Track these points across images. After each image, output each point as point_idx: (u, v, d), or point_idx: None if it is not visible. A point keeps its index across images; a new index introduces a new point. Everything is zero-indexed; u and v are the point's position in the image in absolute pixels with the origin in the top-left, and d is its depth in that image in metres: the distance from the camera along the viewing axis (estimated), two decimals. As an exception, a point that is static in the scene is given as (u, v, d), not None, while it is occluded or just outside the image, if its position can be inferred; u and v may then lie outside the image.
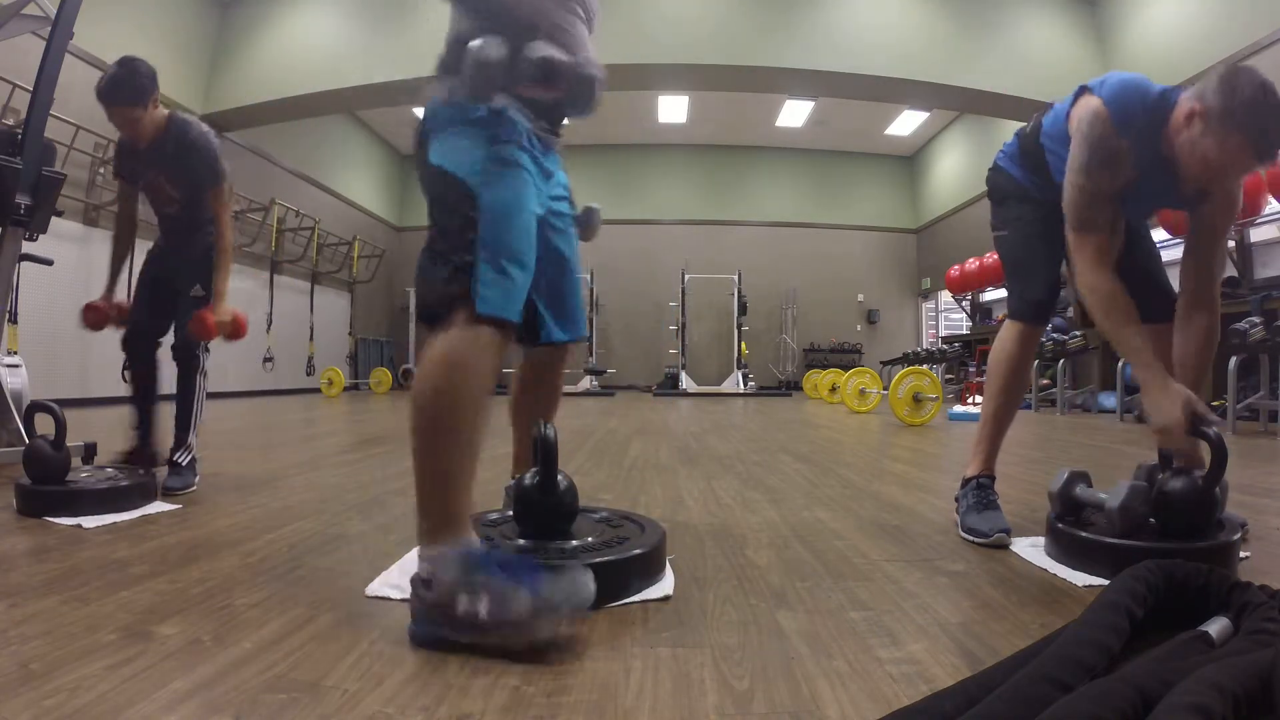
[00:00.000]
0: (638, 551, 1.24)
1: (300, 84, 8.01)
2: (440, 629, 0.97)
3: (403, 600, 1.18)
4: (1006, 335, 1.75)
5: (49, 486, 1.79)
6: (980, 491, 1.69)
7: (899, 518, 1.89)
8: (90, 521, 1.68)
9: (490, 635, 0.95)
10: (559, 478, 1.25)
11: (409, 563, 1.38)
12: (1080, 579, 1.30)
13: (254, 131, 8.81)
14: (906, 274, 14.08)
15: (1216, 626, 0.88)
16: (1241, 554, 1.39)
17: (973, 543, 1.59)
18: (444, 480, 1.03)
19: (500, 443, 1.53)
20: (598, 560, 1.18)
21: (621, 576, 1.20)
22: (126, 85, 2.13)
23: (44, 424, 1.93)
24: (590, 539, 1.28)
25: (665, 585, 1.25)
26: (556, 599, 0.97)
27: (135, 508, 1.83)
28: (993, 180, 1.83)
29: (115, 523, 1.71)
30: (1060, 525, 1.43)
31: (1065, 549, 1.41)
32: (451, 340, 1.03)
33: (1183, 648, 0.83)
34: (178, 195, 2.31)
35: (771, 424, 5.37)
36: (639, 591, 1.21)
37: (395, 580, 1.27)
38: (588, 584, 1.00)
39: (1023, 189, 1.75)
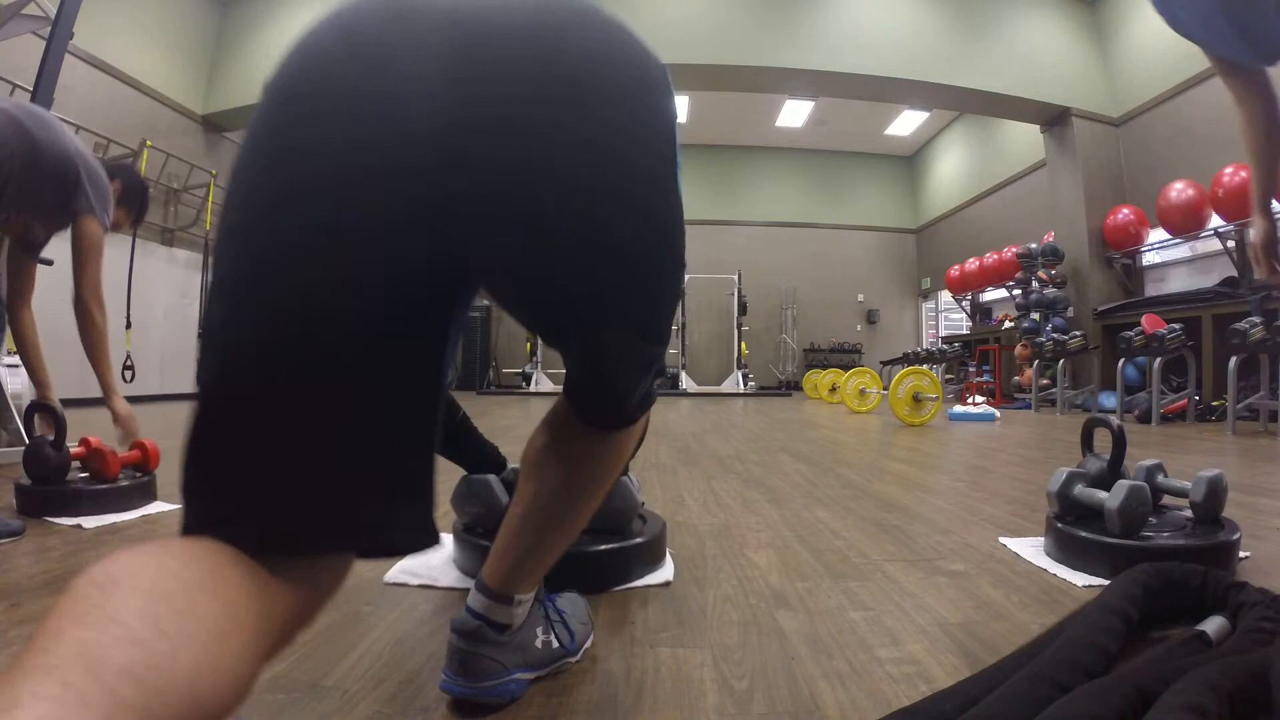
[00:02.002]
0: (640, 540, 1.29)
1: (300, 84, 8.03)
2: (516, 672, 0.84)
3: (421, 587, 1.22)
4: None
5: (49, 486, 1.80)
6: None
7: (899, 518, 1.89)
8: (90, 521, 1.69)
9: (559, 662, 0.91)
10: None
11: (424, 554, 1.40)
12: (1080, 579, 1.31)
13: (254, 131, 8.82)
14: (906, 274, 14.08)
15: (1213, 626, 0.88)
16: (1241, 554, 1.39)
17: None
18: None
19: (491, 428, 1.53)
20: (602, 547, 1.24)
21: (625, 563, 1.26)
22: None
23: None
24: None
25: (666, 572, 1.31)
26: (585, 610, 1.00)
27: (135, 508, 1.83)
28: None
29: (115, 523, 1.71)
30: (1060, 525, 1.44)
31: (1064, 549, 1.41)
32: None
33: (1180, 647, 0.84)
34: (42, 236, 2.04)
35: (771, 424, 5.37)
36: (641, 578, 1.26)
37: (410, 567, 1.30)
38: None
39: None
